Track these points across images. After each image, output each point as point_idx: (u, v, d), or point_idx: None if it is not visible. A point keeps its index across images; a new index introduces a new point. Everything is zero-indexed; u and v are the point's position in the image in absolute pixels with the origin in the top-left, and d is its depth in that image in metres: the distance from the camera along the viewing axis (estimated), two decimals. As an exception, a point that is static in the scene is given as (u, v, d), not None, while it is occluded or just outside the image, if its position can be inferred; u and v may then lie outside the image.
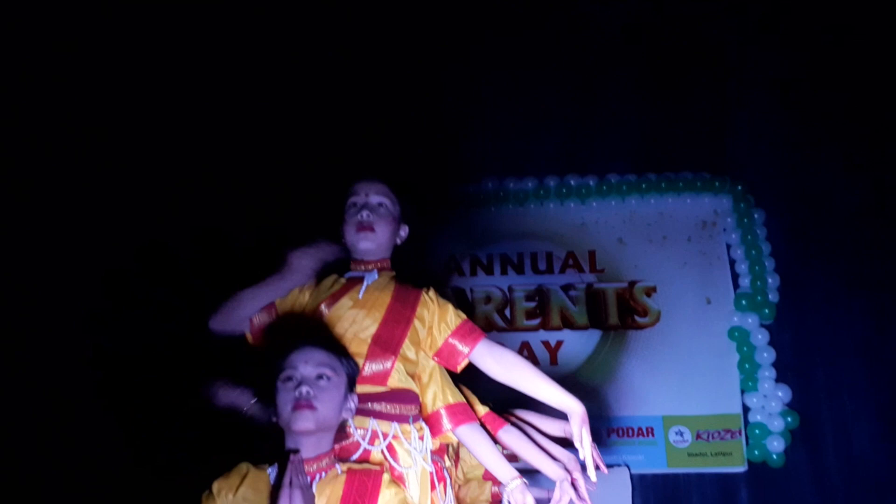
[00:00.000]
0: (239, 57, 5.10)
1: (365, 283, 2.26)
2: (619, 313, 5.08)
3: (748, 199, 5.16)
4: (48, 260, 4.39)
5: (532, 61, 5.52)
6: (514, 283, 5.20)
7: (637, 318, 5.06)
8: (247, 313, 2.29)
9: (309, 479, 1.83)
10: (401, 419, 2.14)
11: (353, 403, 2.00)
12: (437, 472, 2.32)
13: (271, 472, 1.89)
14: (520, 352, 4.91)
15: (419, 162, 5.03)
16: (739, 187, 5.17)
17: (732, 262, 5.12)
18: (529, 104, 5.48)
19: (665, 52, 5.47)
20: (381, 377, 2.13)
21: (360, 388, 2.09)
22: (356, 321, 2.19)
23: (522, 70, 5.53)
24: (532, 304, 5.14)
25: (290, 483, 1.73)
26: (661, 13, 5.46)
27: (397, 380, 2.15)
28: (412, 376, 2.23)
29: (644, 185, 5.25)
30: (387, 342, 2.17)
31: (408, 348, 2.20)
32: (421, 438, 2.17)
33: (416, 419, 2.19)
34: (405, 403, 2.16)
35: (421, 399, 2.27)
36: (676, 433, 4.78)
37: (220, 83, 5.03)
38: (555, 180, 5.29)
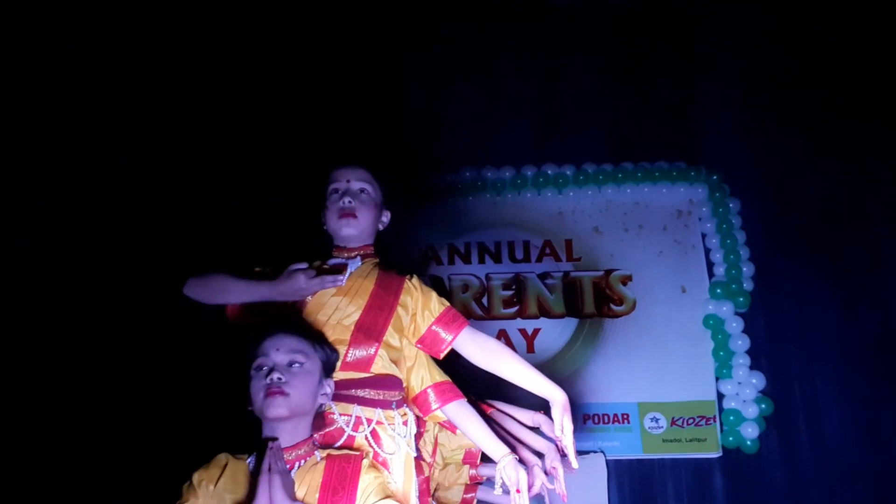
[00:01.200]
0: (220, 48, 5.15)
1: (348, 271, 2.27)
2: (596, 302, 5.14)
3: (723, 188, 5.24)
4: (52, 258, 4.44)
5: (510, 51, 5.61)
6: (491, 272, 5.25)
7: (613, 306, 5.12)
8: (224, 302, 2.29)
9: (288, 466, 1.84)
10: (384, 405, 2.16)
11: (328, 389, 2.01)
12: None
13: (250, 461, 1.90)
14: (497, 339, 4.99)
15: (397, 151, 5.08)
16: (715, 177, 5.24)
17: (707, 251, 5.19)
18: (507, 94, 5.56)
19: (642, 42, 5.57)
20: (365, 363, 2.14)
21: (344, 375, 2.11)
22: (339, 308, 2.20)
23: (501, 60, 5.61)
24: (509, 293, 5.20)
25: (269, 469, 1.75)
26: (638, 2, 5.53)
27: (381, 366, 2.17)
28: (395, 363, 2.24)
29: (620, 175, 5.31)
30: (370, 329, 2.18)
31: (391, 335, 2.22)
32: (405, 424, 2.20)
33: (399, 405, 2.21)
34: (389, 389, 2.18)
35: (407, 382, 2.29)
36: (652, 419, 4.84)
37: (205, 76, 5.08)
38: (532, 170, 5.36)
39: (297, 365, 1.92)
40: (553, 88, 5.53)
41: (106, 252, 4.50)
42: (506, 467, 2.18)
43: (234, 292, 2.25)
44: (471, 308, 5.10)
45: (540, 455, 2.59)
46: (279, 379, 1.87)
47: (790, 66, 5.35)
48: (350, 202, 2.30)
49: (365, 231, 2.35)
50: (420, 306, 2.30)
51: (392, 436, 2.13)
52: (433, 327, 2.28)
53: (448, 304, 2.34)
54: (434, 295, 2.34)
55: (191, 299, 2.29)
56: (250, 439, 1.97)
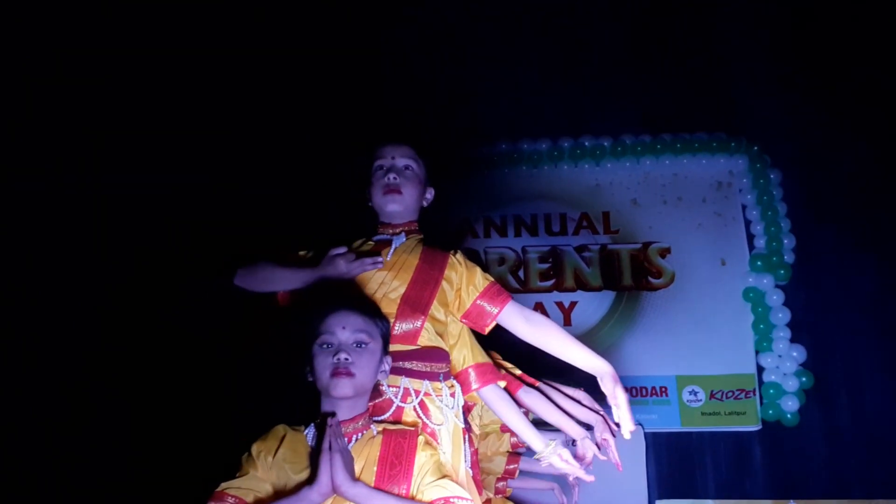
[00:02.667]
0: (250, 22, 5.15)
1: (393, 246, 2.31)
2: (633, 274, 5.19)
3: (764, 159, 5.23)
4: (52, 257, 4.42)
5: (546, 22, 5.59)
6: (527, 245, 5.32)
7: (651, 279, 5.17)
8: (272, 289, 2.36)
9: (346, 440, 1.90)
10: (432, 377, 2.19)
11: (387, 365, 2.06)
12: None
13: (308, 433, 1.96)
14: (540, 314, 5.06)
15: (433, 124, 5.13)
16: (755, 148, 5.24)
17: (748, 223, 5.21)
18: (543, 65, 5.55)
19: (680, 11, 5.52)
20: (412, 336, 2.19)
21: (391, 347, 2.14)
22: (385, 282, 2.24)
23: (536, 31, 5.60)
24: (546, 266, 5.26)
25: (330, 447, 1.80)
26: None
27: (427, 339, 2.21)
28: (441, 336, 2.28)
29: (659, 146, 5.32)
30: (416, 302, 2.22)
31: (436, 309, 2.25)
32: (452, 395, 2.23)
33: (446, 377, 2.25)
34: (436, 361, 2.22)
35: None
36: (690, 393, 4.90)
37: (240, 53, 5.09)
38: (569, 142, 5.38)
39: (362, 345, 1.97)
40: (590, 59, 5.53)
41: (108, 251, 4.51)
42: (548, 458, 2.28)
43: (281, 280, 2.31)
44: (507, 281, 5.17)
45: (588, 427, 2.64)
46: (346, 359, 1.91)
47: (830, 34, 5.28)
48: (395, 178, 2.33)
49: (409, 207, 2.38)
50: (464, 281, 2.32)
51: (440, 407, 2.17)
52: (478, 302, 2.30)
53: (492, 279, 2.36)
54: (478, 270, 2.37)
55: (242, 289, 2.36)
56: (307, 411, 2.03)
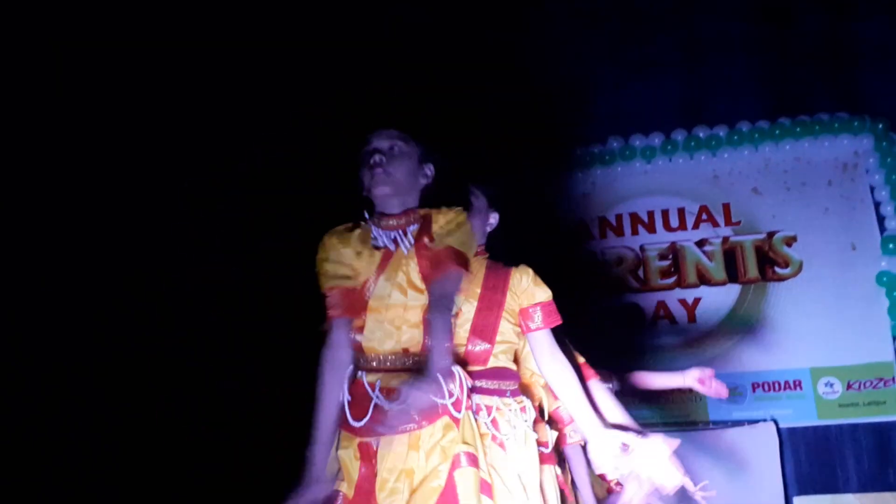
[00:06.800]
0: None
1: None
2: (759, 266, 5.33)
3: (890, 136, 5.25)
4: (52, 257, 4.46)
5: (650, 12, 5.74)
6: (645, 243, 5.52)
7: (778, 269, 5.29)
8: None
9: (401, 232, 2.28)
10: (500, 393, 2.45)
11: (429, 171, 2.37)
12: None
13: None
14: (656, 312, 5.34)
15: (542, 125, 5.40)
16: (880, 125, 5.25)
17: (877, 205, 5.25)
18: (650, 57, 5.69)
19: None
20: (483, 358, 2.46)
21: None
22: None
23: (640, 21, 5.75)
24: (666, 263, 5.46)
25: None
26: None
27: (496, 360, 2.48)
28: (510, 353, 2.53)
29: (778, 132, 5.40)
30: (483, 329, 2.48)
31: (505, 330, 2.49)
32: (523, 410, 2.45)
33: (514, 393, 2.49)
34: (504, 379, 2.48)
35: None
36: (826, 385, 5.03)
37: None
38: (682, 134, 5.53)
39: (396, 148, 2.30)
40: (698, 46, 5.63)
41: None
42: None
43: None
44: (626, 281, 5.38)
45: None
46: (381, 160, 2.26)
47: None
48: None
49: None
50: (526, 295, 2.53)
51: (508, 420, 2.40)
52: (530, 309, 2.50)
53: (551, 297, 2.55)
54: (542, 285, 2.56)
55: None
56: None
